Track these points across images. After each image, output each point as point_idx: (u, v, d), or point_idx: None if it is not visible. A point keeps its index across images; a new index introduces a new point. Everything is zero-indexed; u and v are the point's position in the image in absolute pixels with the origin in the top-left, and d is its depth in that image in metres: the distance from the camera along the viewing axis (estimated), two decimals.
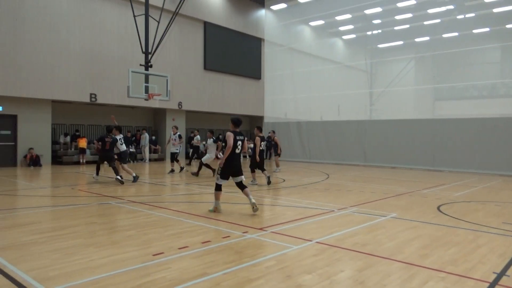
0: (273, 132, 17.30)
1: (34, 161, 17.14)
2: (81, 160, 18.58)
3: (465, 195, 10.27)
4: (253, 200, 7.16)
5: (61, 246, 4.97)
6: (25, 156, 17.22)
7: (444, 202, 8.89)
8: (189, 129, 24.77)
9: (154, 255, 4.64)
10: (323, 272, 4.13)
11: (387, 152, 19.60)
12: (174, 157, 15.15)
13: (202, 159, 13.93)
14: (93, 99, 18.92)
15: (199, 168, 13.94)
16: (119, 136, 12.49)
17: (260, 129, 12.72)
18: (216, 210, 7.27)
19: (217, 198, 7.29)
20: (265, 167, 12.27)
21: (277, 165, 16.33)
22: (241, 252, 4.79)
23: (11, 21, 16.30)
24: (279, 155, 16.70)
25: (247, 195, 7.29)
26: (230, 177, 7.36)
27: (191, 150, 18.13)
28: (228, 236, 5.54)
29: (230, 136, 7.23)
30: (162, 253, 4.72)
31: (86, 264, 4.30)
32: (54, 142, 19.24)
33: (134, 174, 12.02)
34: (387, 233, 5.89)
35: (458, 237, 5.76)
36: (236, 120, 7.54)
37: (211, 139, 13.87)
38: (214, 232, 5.82)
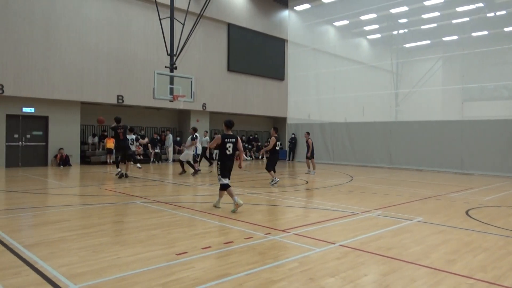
0: (308, 133, 16.97)
1: (63, 161, 17.73)
2: (108, 160, 19.05)
3: (495, 199, 9.92)
4: (238, 200, 7.39)
5: (89, 244, 5.12)
6: (56, 156, 17.83)
7: (473, 207, 8.62)
8: (213, 130, 25.00)
9: (178, 254, 4.71)
10: (346, 276, 4.09)
11: (413, 154, 19.16)
12: (194, 159, 15.38)
13: (180, 157, 14.68)
14: (120, 101, 19.39)
15: (182, 167, 14.62)
16: (131, 137, 13.13)
17: (276, 129, 12.74)
18: (237, 206, 7.39)
19: (221, 196, 7.78)
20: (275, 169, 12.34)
21: (310, 167, 16.05)
22: (264, 253, 4.80)
23: (43, 27, 16.94)
24: (311, 157, 16.21)
25: (231, 195, 7.52)
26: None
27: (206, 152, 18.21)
28: (251, 237, 5.56)
29: (217, 139, 7.68)
30: (186, 252, 4.78)
31: (113, 261, 4.41)
32: (83, 142, 19.83)
33: (126, 172, 13.03)
34: (413, 237, 5.76)
35: (488, 242, 5.58)
36: (228, 122, 7.83)
37: (190, 137, 14.62)
38: (237, 232, 5.86)
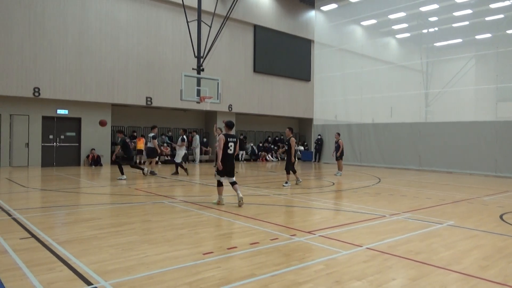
0: (338, 134, 16.79)
1: (95, 161, 18.31)
2: (138, 161, 19.50)
3: None
4: (241, 195, 8.01)
5: (119, 242, 5.27)
6: (88, 156, 18.44)
7: (508, 211, 8.27)
8: (239, 131, 25.15)
9: (204, 254, 4.77)
10: (373, 280, 4.02)
11: (444, 156, 18.60)
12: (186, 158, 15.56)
13: (174, 158, 15.06)
14: (148, 103, 19.84)
15: (176, 168, 14.93)
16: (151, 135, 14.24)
17: (291, 130, 12.27)
18: (219, 203, 8.18)
19: (219, 193, 8.23)
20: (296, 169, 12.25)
21: (339, 169, 15.92)
22: (289, 255, 4.79)
23: (76, 31, 17.58)
24: (341, 158, 16.01)
25: (236, 190, 8.11)
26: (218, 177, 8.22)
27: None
28: (277, 238, 5.56)
29: (221, 139, 7.99)
30: (212, 252, 4.84)
31: (141, 260, 4.52)
32: (113, 143, 20.39)
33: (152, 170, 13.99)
34: (443, 242, 5.59)
35: None
36: (229, 123, 8.30)
37: (180, 137, 14.96)
38: (263, 233, 5.87)
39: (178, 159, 14.99)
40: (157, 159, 19.92)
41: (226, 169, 8.08)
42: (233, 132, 8.54)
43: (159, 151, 14.76)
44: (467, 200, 9.66)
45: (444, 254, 4.98)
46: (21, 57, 16.28)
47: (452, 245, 5.43)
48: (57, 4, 17.07)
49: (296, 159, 12.12)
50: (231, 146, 8.06)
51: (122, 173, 12.96)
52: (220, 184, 8.24)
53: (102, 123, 13.45)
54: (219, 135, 15.48)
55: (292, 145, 11.84)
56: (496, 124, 17.42)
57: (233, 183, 8.20)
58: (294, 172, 12.07)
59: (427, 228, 6.45)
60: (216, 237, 5.61)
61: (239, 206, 7.98)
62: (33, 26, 16.53)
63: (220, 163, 7.97)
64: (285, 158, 12.36)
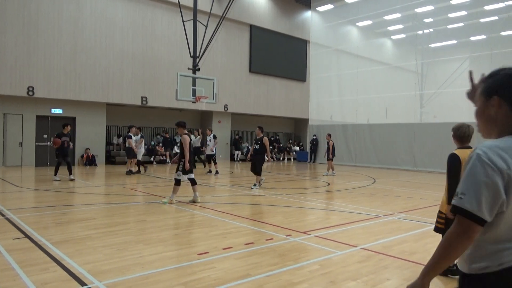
0: (329, 135, 16.80)
1: (90, 161, 18.21)
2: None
3: None
4: (197, 196, 8.42)
5: (113, 242, 5.24)
6: (82, 156, 18.33)
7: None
8: (234, 131, 25.14)
9: (199, 254, 4.76)
10: (368, 280, 4.03)
11: (438, 157, 18.66)
12: (210, 159, 15.43)
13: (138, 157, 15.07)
14: (144, 102, 19.77)
15: (138, 167, 15.02)
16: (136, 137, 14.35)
17: (262, 129, 11.91)
18: (171, 202, 8.27)
19: (176, 192, 8.34)
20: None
21: (329, 169, 15.90)
22: (284, 255, 4.79)
23: (71, 30, 17.48)
24: (331, 158, 16.01)
25: (194, 190, 8.44)
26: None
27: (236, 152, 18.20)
28: (272, 239, 5.56)
29: (187, 139, 8.25)
30: (207, 252, 4.83)
31: (136, 260, 4.50)
32: (108, 143, 20.30)
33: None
34: (437, 242, 5.60)
35: None
36: (184, 123, 8.56)
37: (139, 135, 15.02)
38: (258, 234, 5.87)
39: (139, 156, 15.08)
40: (152, 159, 19.89)
41: (191, 167, 8.39)
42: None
43: (135, 150, 14.66)
44: None
45: None
46: (15, 56, 16.15)
47: None
48: (51, 2, 16.96)
49: (273, 160, 11.82)
50: (192, 144, 8.56)
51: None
52: (179, 183, 8.35)
53: (56, 143, 12.43)
54: (209, 135, 15.52)
55: (266, 144, 11.40)
56: None
57: (193, 184, 8.46)
58: (260, 174, 11.29)
59: (422, 229, 6.48)
60: (211, 237, 5.60)
61: (192, 202, 8.39)
62: (27, 24, 16.41)
63: (188, 163, 8.21)
64: (255, 158, 11.47)
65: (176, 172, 8.36)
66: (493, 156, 1.36)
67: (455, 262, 1.59)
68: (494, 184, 1.34)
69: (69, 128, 12.80)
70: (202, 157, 21.11)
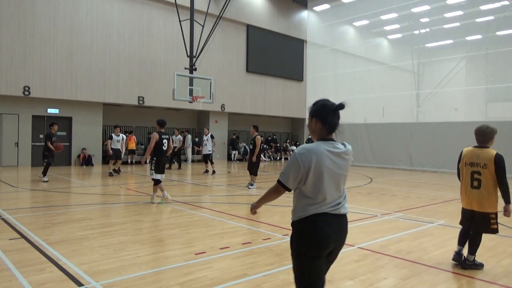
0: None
1: (86, 161, 18.15)
2: (129, 161, 19.36)
3: None
4: (155, 197, 8.32)
5: (110, 242, 5.23)
6: (79, 156, 18.27)
7: (498, 210, 8.36)
8: (231, 131, 25.12)
9: (196, 254, 4.76)
10: (365, 279, 4.04)
11: (435, 156, 18.77)
12: (207, 158, 15.29)
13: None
14: (140, 102, 19.72)
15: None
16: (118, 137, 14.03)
17: (257, 128, 11.70)
18: (166, 200, 8.26)
19: (162, 189, 8.32)
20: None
21: None
22: (281, 255, 4.80)
23: (67, 30, 17.40)
24: None
25: (161, 189, 8.32)
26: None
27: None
28: (269, 238, 5.56)
29: (154, 137, 8.19)
30: (204, 252, 4.83)
31: (133, 260, 4.49)
32: (105, 143, 20.21)
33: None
34: (434, 241, 5.65)
35: None
36: (161, 121, 8.51)
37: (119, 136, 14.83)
38: (255, 233, 5.87)
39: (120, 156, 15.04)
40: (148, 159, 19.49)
41: (163, 165, 8.38)
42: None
43: (122, 151, 14.59)
44: (457, 200, 9.75)
45: (435, 253, 5.02)
46: (11, 55, 16.06)
47: (443, 244, 5.48)
48: (47, 2, 16.88)
49: (259, 160, 11.38)
50: (165, 143, 8.31)
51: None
52: (158, 182, 8.32)
53: (59, 148, 12.37)
54: (206, 135, 15.48)
55: (257, 144, 11.15)
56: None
57: (156, 181, 8.35)
58: (255, 174, 11.24)
59: (418, 228, 6.50)
60: (208, 237, 5.60)
61: (153, 202, 8.29)
62: (23, 24, 16.32)
63: (145, 158, 8.42)
64: (251, 158, 11.32)
65: (150, 171, 8.38)
66: (302, 152, 2.36)
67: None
68: (298, 168, 2.34)
69: (56, 127, 12.58)
70: (183, 156, 21.07)
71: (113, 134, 14.32)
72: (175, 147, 16.66)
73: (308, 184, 2.37)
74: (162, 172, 8.35)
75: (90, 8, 18.06)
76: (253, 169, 11.26)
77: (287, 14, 26.13)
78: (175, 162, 18.16)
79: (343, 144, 2.59)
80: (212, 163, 15.22)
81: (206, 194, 10.28)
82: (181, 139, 17.26)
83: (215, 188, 11.58)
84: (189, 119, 24.33)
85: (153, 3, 20.06)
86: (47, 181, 11.84)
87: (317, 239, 2.35)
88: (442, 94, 22.40)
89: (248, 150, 11.68)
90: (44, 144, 12.34)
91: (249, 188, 11.03)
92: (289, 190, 2.45)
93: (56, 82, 17.20)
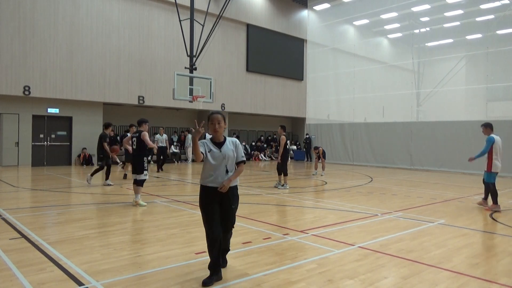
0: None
1: (86, 160, 18.15)
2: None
3: None
4: (139, 199, 8.01)
5: (110, 242, 5.23)
6: (79, 156, 18.27)
7: (497, 209, 8.37)
8: (231, 131, 25.12)
9: (196, 253, 4.76)
10: (365, 278, 4.04)
11: (435, 155, 18.76)
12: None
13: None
14: (141, 102, 19.71)
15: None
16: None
17: (284, 128, 11.69)
18: (138, 203, 8.00)
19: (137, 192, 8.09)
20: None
21: (316, 168, 15.98)
22: (282, 254, 4.80)
23: (67, 29, 17.40)
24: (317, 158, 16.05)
25: (136, 192, 8.04)
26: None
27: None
28: (269, 238, 5.56)
29: (146, 135, 8.19)
30: (205, 252, 4.82)
31: (133, 259, 4.49)
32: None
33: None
34: (434, 240, 5.65)
35: None
36: (139, 120, 8.70)
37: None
38: (255, 233, 5.87)
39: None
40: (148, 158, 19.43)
41: (143, 166, 8.21)
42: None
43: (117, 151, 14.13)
44: (457, 199, 9.77)
45: (435, 252, 5.02)
46: (11, 55, 16.06)
47: (443, 243, 5.48)
48: (47, 1, 16.87)
49: (286, 159, 11.35)
50: (134, 141, 8.26)
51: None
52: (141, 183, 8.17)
53: (115, 150, 11.68)
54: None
55: (281, 144, 11.19)
56: None
57: (138, 182, 8.11)
58: (285, 174, 11.23)
59: (419, 227, 6.50)
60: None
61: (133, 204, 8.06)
62: (23, 23, 16.32)
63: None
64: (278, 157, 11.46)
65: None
66: (207, 141, 3.95)
67: None
68: (202, 150, 3.82)
69: (110, 128, 11.95)
70: (184, 156, 20.91)
71: (128, 134, 13.86)
72: (161, 147, 15.88)
73: (207, 161, 3.96)
74: (143, 171, 8.15)
75: (90, 7, 18.06)
76: (280, 169, 11.19)
77: (287, 13, 26.12)
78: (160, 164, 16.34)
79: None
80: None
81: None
82: (166, 138, 16.33)
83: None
84: (189, 118, 24.33)
85: (153, 3, 20.05)
86: (112, 185, 11.18)
87: None
88: (442, 93, 22.40)
89: (293, 151, 11.57)
90: (99, 145, 11.44)
91: (278, 188, 10.91)
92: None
93: (56, 82, 17.20)
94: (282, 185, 11.18)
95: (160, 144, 15.90)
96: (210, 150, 3.87)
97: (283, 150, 11.22)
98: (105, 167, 11.46)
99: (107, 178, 11.35)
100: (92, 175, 11.37)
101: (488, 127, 8.64)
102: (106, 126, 11.87)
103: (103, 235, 5.58)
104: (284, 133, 11.43)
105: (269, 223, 6.48)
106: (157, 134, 16.90)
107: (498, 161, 8.30)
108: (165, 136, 16.43)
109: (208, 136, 4.25)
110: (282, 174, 11.21)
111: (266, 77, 25.29)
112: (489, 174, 8.30)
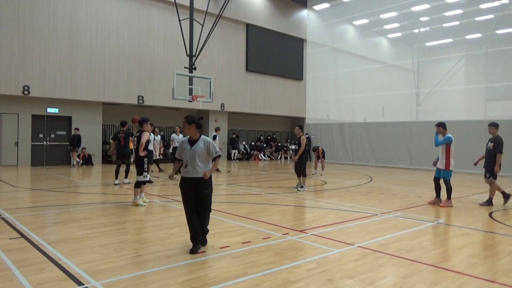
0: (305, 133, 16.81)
1: (86, 160, 18.14)
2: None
3: None
4: (138, 199, 7.98)
5: (110, 242, 5.23)
6: (79, 155, 18.25)
7: (497, 209, 8.39)
8: (231, 130, 25.12)
9: (196, 253, 4.76)
10: (365, 278, 4.05)
11: (434, 155, 18.55)
12: None
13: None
14: (140, 101, 19.71)
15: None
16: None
17: (301, 128, 11.45)
18: (137, 203, 8.02)
19: (137, 193, 8.11)
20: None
21: (315, 167, 16.01)
22: (281, 254, 4.80)
23: (66, 29, 17.38)
24: (316, 158, 15.98)
25: (135, 193, 8.04)
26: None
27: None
28: (269, 237, 5.56)
29: (144, 137, 8.13)
30: (204, 251, 4.83)
31: (133, 259, 4.49)
32: (104, 142, 20.22)
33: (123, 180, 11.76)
34: (433, 240, 5.66)
35: None
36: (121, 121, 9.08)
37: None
38: (255, 232, 5.87)
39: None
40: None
41: (146, 167, 8.29)
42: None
43: (156, 152, 14.02)
44: (457, 199, 9.77)
45: (434, 252, 5.03)
46: (10, 54, 16.05)
47: (442, 243, 5.49)
48: (46, 1, 16.86)
49: (305, 160, 10.99)
50: (134, 140, 8.52)
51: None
52: (139, 184, 8.17)
53: (134, 120, 11.40)
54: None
55: (302, 144, 10.78)
56: (486, 123, 17.51)
57: (137, 183, 8.11)
58: (304, 175, 10.90)
59: (418, 227, 6.51)
60: (208, 236, 5.59)
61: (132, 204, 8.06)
62: (22, 23, 16.30)
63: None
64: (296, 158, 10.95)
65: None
66: (183, 140, 5.09)
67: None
68: (179, 149, 5.03)
69: (126, 126, 11.68)
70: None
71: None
72: (176, 148, 15.75)
73: (184, 158, 4.98)
74: (144, 172, 8.16)
75: (90, 7, 18.04)
76: (298, 170, 10.90)
77: (286, 13, 26.11)
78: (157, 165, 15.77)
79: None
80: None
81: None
82: (159, 139, 15.81)
83: (215, 187, 11.52)
84: None
85: (152, 2, 20.04)
86: (118, 184, 11.19)
87: None
88: (441, 93, 22.40)
89: (292, 151, 11.29)
90: (125, 143, 11.48)
91: (298, 190, 10.70)
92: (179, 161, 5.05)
93: (55, 82, 17.19)
94: (301, 187, 10.86)
95: (177, 144, 15.20)
96: (184, 149, 4.93)
97: (303, 150, 10.85)
98: (126, 166, 11.68)
99: (126, 176, 11.64)
100: (125, 177, 11.61)
101: (496, 127, 9.89)
102: (122, 124, 11.75)
103: (102, 235, 5.58)
104: (302, 134, 11.17)
105: (268, 223, 6.48)
106: (173, 133, 16.40)
107: (453, 159, 9.20)
108: (181, 136, 15.65)
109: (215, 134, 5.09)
110: (302, 175, 10.91)
111: (265, 76, 25.29)
112: (447, 172, 8.79)
